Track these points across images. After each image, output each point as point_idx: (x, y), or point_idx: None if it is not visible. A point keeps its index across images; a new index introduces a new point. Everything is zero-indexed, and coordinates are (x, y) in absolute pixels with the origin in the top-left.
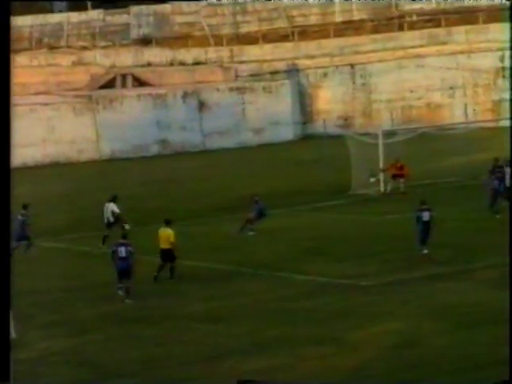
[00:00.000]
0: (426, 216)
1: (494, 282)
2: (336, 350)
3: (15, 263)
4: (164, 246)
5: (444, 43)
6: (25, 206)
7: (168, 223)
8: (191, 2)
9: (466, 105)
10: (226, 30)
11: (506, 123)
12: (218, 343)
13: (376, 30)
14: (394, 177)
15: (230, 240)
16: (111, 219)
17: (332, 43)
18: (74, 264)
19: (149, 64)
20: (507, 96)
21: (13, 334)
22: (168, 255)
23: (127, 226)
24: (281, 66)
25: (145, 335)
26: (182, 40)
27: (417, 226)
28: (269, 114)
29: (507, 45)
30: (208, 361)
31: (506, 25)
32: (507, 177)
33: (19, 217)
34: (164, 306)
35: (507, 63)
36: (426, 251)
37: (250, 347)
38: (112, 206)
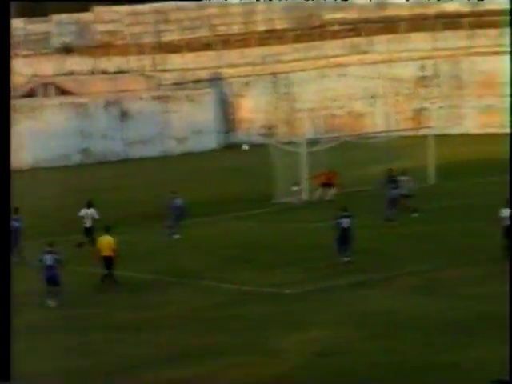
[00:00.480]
0: (345, 223)
1: (414, 288)
2: (260, 359)
3: None
4: (106, 253)
5: (365, 52)
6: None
7: (107, 230)
8: (113, 10)
9: (387, 113)
10: (149, 39)
11: (426, 132)
12: (141, 353)
13: (298, 40)
14: (324, 185)
15: (154, 249)
16: (88, 225)
17: (254, 52)
18: None
19: (71, 73)
20: (427, 105)
21: None
22: (110, 262)
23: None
24: (204, 74)
25: (68, 345)
26: (103, 49)
27: (336, 233)
28: (192, 122)
29: (427, 54)
30: (131, 370)
31: (428, 34)
32: (402, 185)
33: None
34: (88, 315)
35: (427, 72)
36: (346, 259)
37: (173, 356)
38: (92, 212)
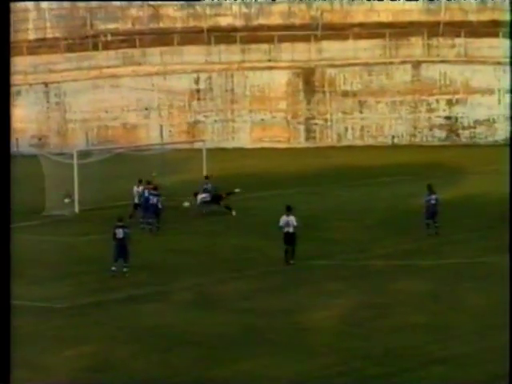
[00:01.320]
0: (119, 233)
1: (190, 302)
2: (29, 375)
3: None
4: None
5: (139, 64)
6: None
7: None
8: None
9: (161, 126)
10: None
11: (201, 145)
12: None
13: (71, 49)
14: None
15: None
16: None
17: (25, 61)
18: None
19: None
20: (201, 118)
21: None
22: None
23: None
24: None
25: None
26: None
27: (112, 244)
28: None
29: (201, 67)
30: None
31: (202, 47)
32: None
33: None
34: None
35: (201, 85)
36: (125, 269)
37: None
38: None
